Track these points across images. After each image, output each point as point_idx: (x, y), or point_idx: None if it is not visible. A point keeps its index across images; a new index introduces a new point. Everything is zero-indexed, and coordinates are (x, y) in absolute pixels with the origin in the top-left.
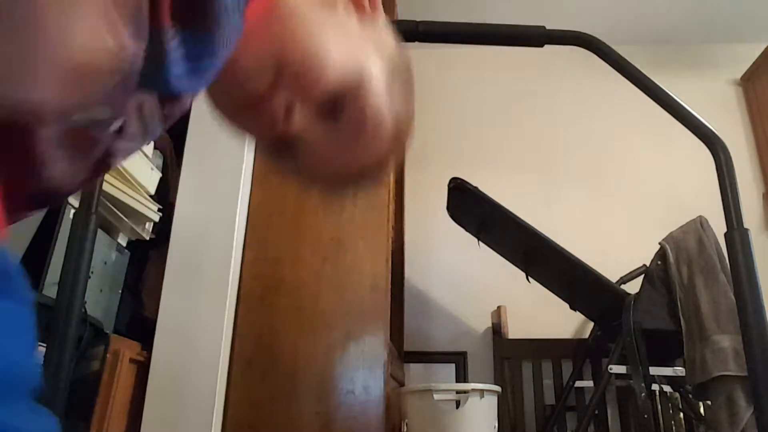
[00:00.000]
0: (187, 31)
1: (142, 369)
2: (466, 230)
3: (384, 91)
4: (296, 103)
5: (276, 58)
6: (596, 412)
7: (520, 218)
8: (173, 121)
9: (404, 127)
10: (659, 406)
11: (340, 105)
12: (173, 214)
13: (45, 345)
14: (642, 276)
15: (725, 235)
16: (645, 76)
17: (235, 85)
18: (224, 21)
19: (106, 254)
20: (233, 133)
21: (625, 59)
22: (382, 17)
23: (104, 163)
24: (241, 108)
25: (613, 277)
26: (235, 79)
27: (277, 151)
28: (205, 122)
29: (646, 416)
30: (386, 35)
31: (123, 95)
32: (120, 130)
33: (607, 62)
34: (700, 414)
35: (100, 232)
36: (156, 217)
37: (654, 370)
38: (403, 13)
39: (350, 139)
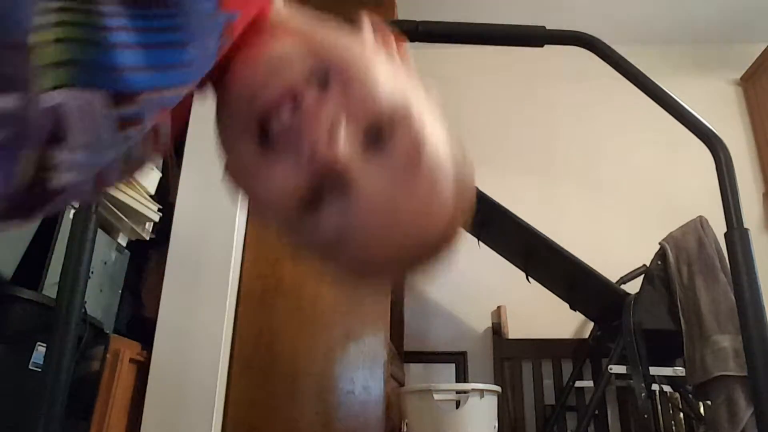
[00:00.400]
0: (137, 8)
1: (142, 369)
2: (466, 230)
3: (440, 131)
4: (341, 121)
5: (315, 57)
6: (596, 412)
7: (520, 218)
8: (143, 130)
9: (466, 187)
10: (659, 406)
11: (388, 131)
12: (173, 214)
13: (45, 345)
14: (642, 276)
15: (725, 235)
16: (645, 76)
17: (251, 97)
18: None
19: (106, 254)
20: (244, 195)
21: (625, 59)
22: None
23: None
24: (261, 130)
25: (613, 277)
26: (252, 86)
27: (309, 205)
28: (204, 122)
29: (646, 416)
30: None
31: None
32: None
33: (607, 62)
34: (700, 414)
35: (100, 232)
36: (156, 217)
37: (654, 370)
38: (403, 13)
39: (406, 178)
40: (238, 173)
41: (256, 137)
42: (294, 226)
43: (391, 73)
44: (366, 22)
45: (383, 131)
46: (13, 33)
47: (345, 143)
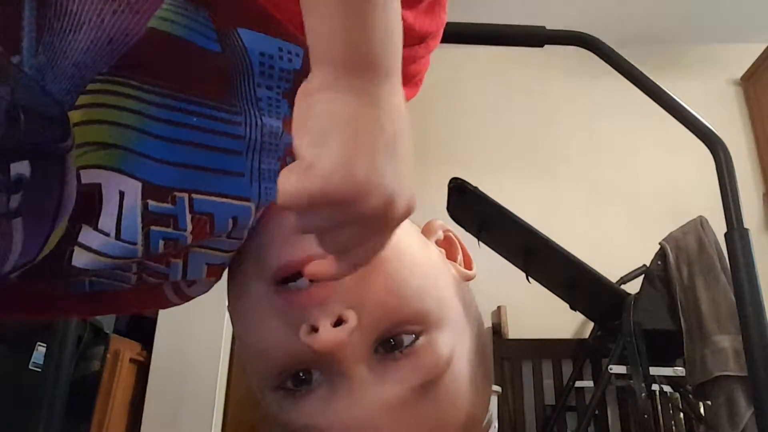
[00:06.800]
0: (196, 104)
1: (142, 369)
2: (466, 230)
3: (467, 359)
4: (351, 312)
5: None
6: (596, 412)
7: (520, 218)
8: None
9: (478, 421)
10: (659, 406)
11: (408, 344)
12: None
13: (45, 345)
14: (642, 276)
15: (725, 235)
16: (645, 76)
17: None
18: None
19: None
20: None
21: (625, 59)
22: (472, 278)
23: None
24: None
25: (613, 277)
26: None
27: (297, 382)
28: None
29: (646, 416)
30: (472, 299)
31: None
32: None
33: (607, 62)
34: (700, 414)
35: None
36: None
37: (654, 370)
38: None
39: (407, 401)
40: (244, 309)
41: (272, 283)
42: (274, 396)
43: (434, 283)
44: (436, 226)
45: (401, 341)
46: (51, 105)
47: (345, 336)
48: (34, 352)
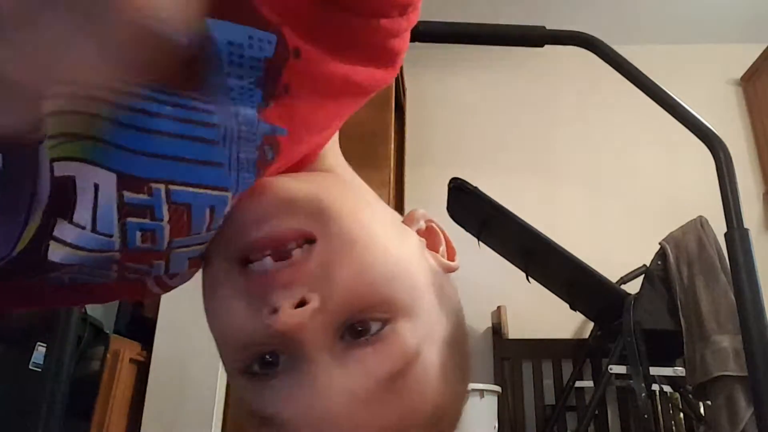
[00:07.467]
0: (168, 93)
1: (142, 369)
2: (466, 230)
3: (438, 350)
4: (316, 296)
5: (317, 222)
6: (596, 412)
7: (520, 218)
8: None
9: (447, 414)
10: (659, 406)
11: (374, 331)
12: None
13: (45, 345)
14: (642, 276)
15: (725, 235)
16: (645, 76)
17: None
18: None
19: None
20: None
21: (625, 59)
22: (455, 270)
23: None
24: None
25: (613, 277)
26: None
27: (264, 365)
28: None
29: (646, 416)
30: (452, 291)
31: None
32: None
33: (608, 62)
34: (700, 414)
35: None
36: None
37: (654, 370)
38: None
39: (370, 389)
40: (209, 289)
41: (236, 263)
42: (243, 380)
43: (406, 271)
44: (418, 215)
45: (366, 328)
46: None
47: (306, 317)
48: (34, 352)
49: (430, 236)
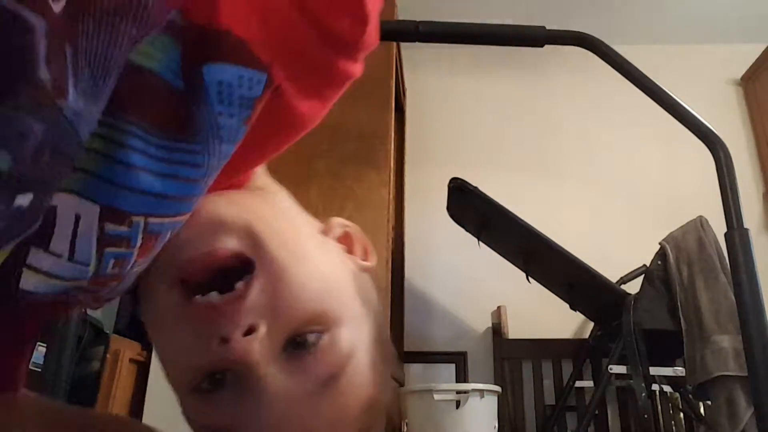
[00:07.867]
0: (160, 135)
1: (142, 369)
2: (466, 230)
3: (367, 348)
4: (263, 323)
5: (250, 241)
6: (596, 412)
7: (520, 218)
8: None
9: (379, 399)
10: (659, 406)
11: (311, 342)
12: None
13: (45, 345)
14: (642, 276)
15: (725, 235)
16: (645, 76)
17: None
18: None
19: None
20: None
21: (625, 59)
22: (373, 270)
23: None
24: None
25: (613, 277)
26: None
27: (213, 383)
28: None
29: (646, 416)
30: (370, 288)
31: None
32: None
33: (607, 62)
34: (700, 414)
35: None
36: None
37: (654, 370)
38: (403, 13)
39: (312, 394)
40: (154, 315)
41: (177, 288)
42: (191, 398)
43: (333, 283)
44: (334, 223)
45: (305, 341)
46: (76, 147)
47: (255, 345)
48: (34, 352)
49: (347, 241)
